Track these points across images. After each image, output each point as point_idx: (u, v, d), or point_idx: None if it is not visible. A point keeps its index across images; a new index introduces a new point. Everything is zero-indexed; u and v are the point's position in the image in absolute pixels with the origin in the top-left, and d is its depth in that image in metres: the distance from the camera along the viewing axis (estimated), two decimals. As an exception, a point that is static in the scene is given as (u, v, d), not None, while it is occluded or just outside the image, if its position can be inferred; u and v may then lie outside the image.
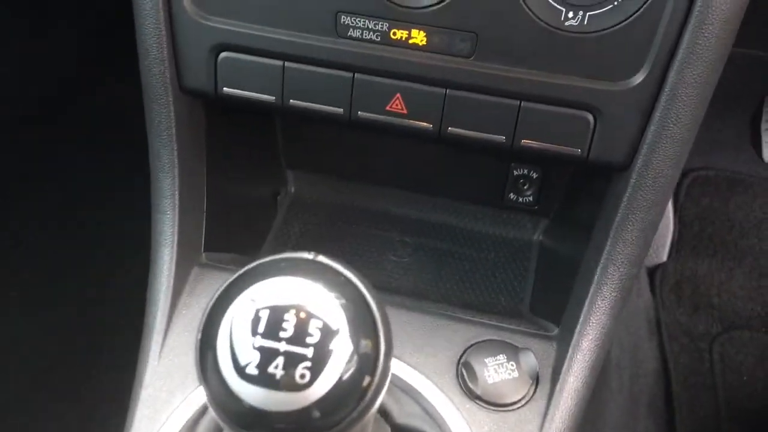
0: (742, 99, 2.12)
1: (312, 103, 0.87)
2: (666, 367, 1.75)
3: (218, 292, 0.51)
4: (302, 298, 0.49)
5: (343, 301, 0.49)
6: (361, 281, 0.51)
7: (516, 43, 0.79)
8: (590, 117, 0.82)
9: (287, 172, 1.27)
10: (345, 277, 0.51)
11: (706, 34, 0.75)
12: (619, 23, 0.76)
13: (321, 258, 0.51)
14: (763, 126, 2.09)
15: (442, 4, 0.79)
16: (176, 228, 0.94)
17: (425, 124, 0.86)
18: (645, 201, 0.84)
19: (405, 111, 0.86)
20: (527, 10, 0.77)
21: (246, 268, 0.51)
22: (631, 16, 0.76)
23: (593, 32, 0.77)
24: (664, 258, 1.97)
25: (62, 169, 1.86)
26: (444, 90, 0.84)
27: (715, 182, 2.09)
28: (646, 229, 0.86)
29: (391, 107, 0.86)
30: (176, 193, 0.94)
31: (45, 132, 1.88)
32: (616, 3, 0.75)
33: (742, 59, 1.86)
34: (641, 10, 0.75)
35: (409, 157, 1.20)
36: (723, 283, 1.94)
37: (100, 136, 1.91)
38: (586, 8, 0.76)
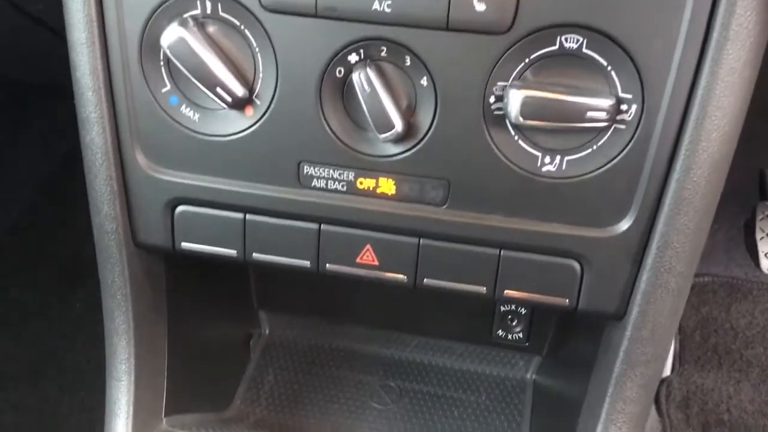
0: (732, 202, 2.08)
1: (277, 256, 0.82)
2: (680, 500, 1.62)
3: None
4: None
5: None
6: None
7: (491, 190, 0.74)
8: (576, 265, 0.76)
9: (260, 313, 1.20)
10: None
11: (694, 179, 0.69)
12: (600, 168, 0.71)
13: None
14: (758, 235, 2.05)
15: (411, 152, 0.74)
16: (132, 396, 0.87)
17: (399, 275, 0.80)
18: (644, 355, 0.76)
19: (377, 262, 0.80)
20: (501, 155, 0.72)
21: None
22: (611, 160, 0.70)
23: (572, 178, 0.72)
24: (668, 372, 1.87)
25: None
26: (417, 240, 0.78)
27: (713, 289, 2.02)
28: (648, 385, 0.78)
29: (361, 259, 0.80)
30: (132, 358, 0.86)
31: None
32: (594, 147, 0.70)
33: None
34: (622, 154, 0.70)
35: (389, 295, 1.13)
36: (732, 397, 1.84)
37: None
38: (564, 153, 0.71)
